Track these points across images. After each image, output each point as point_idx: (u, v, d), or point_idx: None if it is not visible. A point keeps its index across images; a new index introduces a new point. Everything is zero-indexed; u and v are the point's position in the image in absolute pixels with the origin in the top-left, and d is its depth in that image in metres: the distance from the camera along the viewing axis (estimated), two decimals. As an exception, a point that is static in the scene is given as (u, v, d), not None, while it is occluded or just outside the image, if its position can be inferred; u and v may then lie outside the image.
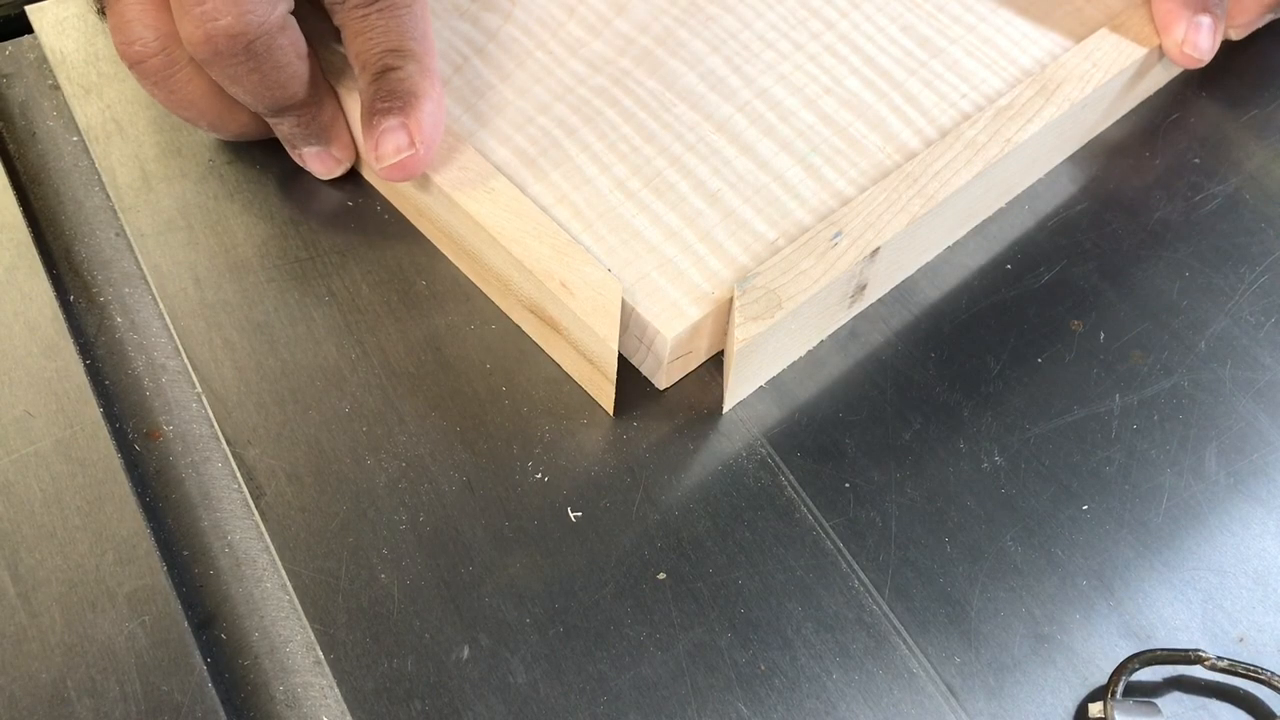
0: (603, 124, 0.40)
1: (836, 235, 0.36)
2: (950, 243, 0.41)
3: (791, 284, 0.35)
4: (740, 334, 0.34)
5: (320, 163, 0.41)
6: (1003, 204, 0.43)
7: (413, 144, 0.36)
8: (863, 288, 0.38)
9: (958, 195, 0.38)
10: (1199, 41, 0.43)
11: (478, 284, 0.39)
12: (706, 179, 0.38)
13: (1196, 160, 0.45)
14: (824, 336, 0.39)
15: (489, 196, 0.37)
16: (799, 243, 0.36)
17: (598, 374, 0.35)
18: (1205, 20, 0.43)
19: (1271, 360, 0.39)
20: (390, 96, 0.37)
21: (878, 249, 0.36)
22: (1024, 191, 0.44)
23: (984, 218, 0.42)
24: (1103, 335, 0.39)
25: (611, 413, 0.36)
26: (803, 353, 0.38)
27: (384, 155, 0.36)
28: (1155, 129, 0.46)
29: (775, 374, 0.38)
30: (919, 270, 0.41)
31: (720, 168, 0.39)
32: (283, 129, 0.40)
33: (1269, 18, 0.46)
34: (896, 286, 0.40)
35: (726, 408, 0.37)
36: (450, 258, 0.40)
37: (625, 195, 0.38)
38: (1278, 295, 0.41)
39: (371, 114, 0.37)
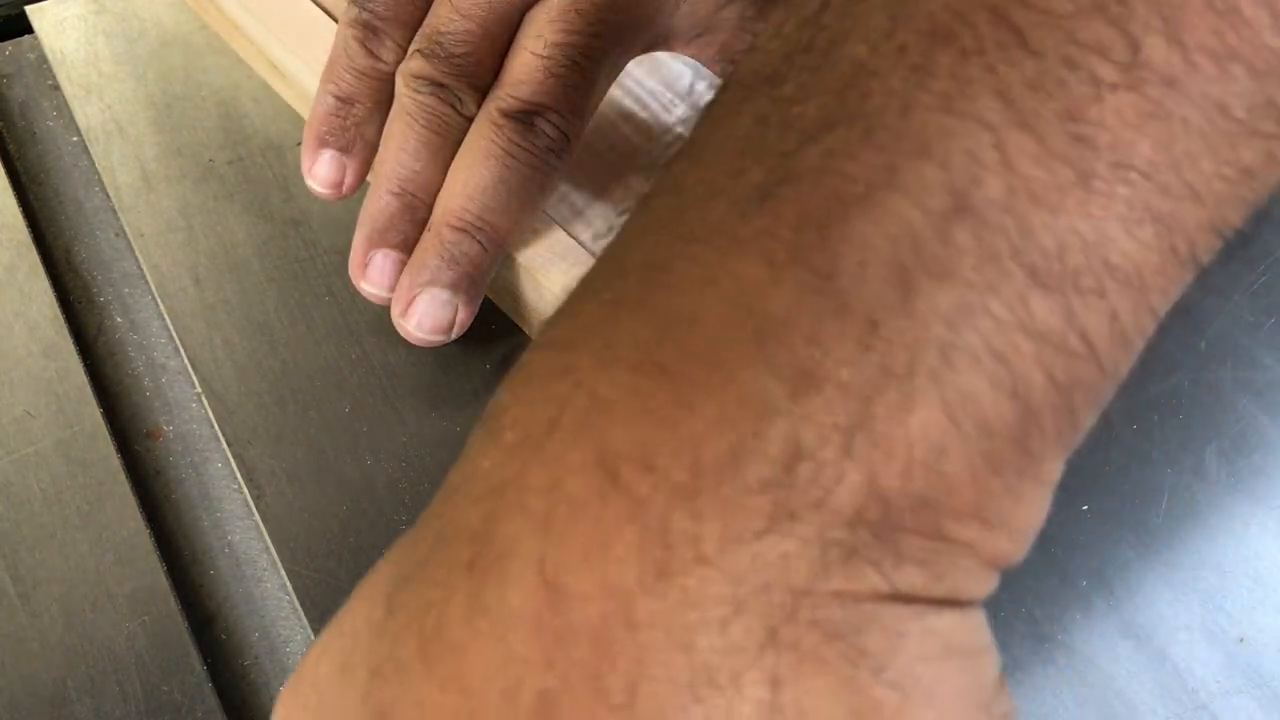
0: (603, 123, 0.40)
1: None
2: None
3: None
4: None
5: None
6: None
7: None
8: None
9: None
10: (431, 320, 0.34)
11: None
12: (706, 179, 0.38)
13: (1196, 160, 0.45)
14: None
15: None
16: None
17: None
18: (438, 294, 0.33)
19: (1271, 360, 0.39)
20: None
21: None
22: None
23: None
24: (1103, 335, 0.39)
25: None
26: None
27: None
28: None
29: None
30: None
31: (720, 168, 0.39)
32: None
33: None
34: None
35: None
36: None
37: (626, 194, 0.38)
38: (1278, 295, 0.41)
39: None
